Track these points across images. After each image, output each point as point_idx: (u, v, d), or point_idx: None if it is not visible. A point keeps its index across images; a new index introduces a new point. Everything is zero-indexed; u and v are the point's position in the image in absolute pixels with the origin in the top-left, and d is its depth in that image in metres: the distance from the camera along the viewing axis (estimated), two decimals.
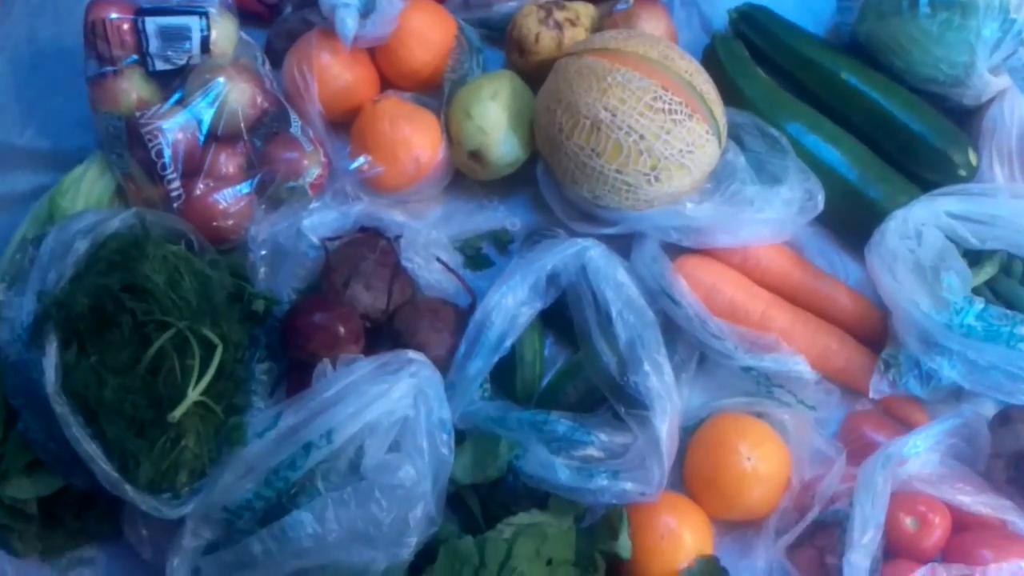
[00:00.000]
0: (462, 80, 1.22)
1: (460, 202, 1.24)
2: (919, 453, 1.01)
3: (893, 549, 0.99)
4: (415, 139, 1.17)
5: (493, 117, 1.16)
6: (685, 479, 1.07)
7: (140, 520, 1.00)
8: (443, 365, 1.05)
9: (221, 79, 1.13)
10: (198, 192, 1.13)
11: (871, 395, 1.09)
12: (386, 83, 1.26)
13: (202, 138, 1.13)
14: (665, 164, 1.07)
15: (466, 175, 1.22)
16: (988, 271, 1.09)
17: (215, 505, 0.96)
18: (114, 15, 1.12)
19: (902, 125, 1.17)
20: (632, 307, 1.05)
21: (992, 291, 1.09)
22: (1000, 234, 1.08)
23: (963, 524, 1.01)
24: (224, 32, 1.15)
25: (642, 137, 1.06)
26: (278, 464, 0.95)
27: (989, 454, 1.03)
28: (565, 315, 1.10)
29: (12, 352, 0.98)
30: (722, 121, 1.12)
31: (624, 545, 0.98)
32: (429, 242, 1.15)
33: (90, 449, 0.92)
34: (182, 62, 1.14)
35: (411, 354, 1.00)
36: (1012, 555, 0.96)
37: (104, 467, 0.92)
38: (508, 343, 1.06)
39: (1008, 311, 1.02)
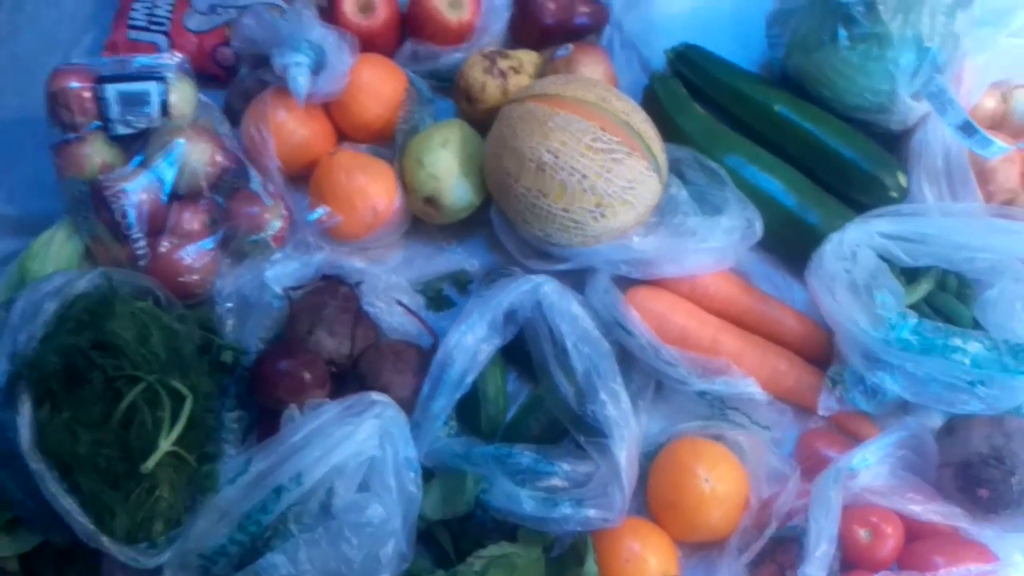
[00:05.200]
0: (414, 130, 1.23)
1: (419, 246, 1.26)
2: (869, 466, 1.03)
3: (849, 561, 1.01)
4: (371, 188, 1.18)
5: (445, 164, 1.18)
6: (648, 503, 1.09)
7: (120, 571, 1.00)
8: (408, 405, 1.06)
9: (181, 140, 1.15)
10: (163, 250, 1.14)
11: (820, 412, 1.11)
12: (341, 136, 1.27)
13: (165, 197, 1.14)
14: (609, 201, 1.10)
15: (423, 220, 1.24)
16: (924, 287, 1.11)
17: (191, 552, 0.97)
18: (75, 84, 1.15)
19: (834, 152, 1.21)
20: (587, 339, 1.06)
21: (931, 307, 1.12)
22: (932, 251, 1.09)
23: (916, 533, 1.03)
24: (182, 95, 1.18)
25: (585, 176, 1.08)
26: (250, 509, 0.96)
27: (938, 464, 1.05)
28: (526, 351, 1.11)
29: None
30: (662, 157, 1.14)
31: (591, 571, 0.99)
32: (389, 286, 1.17)
33: (67, 504, 0.93)
34: (143, 125, 1.16)
35: (374, 395, 1.02)
36: (964, 560, 0.98)
37: (81, 521, 0.93)
38: (469, 380, 1.07)
39: (941, 324, 1.04)
